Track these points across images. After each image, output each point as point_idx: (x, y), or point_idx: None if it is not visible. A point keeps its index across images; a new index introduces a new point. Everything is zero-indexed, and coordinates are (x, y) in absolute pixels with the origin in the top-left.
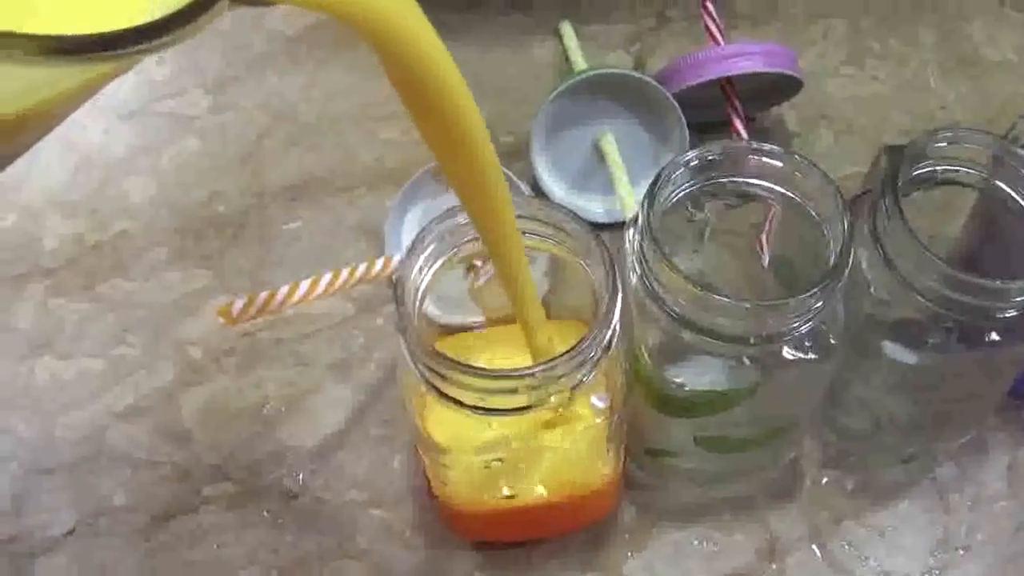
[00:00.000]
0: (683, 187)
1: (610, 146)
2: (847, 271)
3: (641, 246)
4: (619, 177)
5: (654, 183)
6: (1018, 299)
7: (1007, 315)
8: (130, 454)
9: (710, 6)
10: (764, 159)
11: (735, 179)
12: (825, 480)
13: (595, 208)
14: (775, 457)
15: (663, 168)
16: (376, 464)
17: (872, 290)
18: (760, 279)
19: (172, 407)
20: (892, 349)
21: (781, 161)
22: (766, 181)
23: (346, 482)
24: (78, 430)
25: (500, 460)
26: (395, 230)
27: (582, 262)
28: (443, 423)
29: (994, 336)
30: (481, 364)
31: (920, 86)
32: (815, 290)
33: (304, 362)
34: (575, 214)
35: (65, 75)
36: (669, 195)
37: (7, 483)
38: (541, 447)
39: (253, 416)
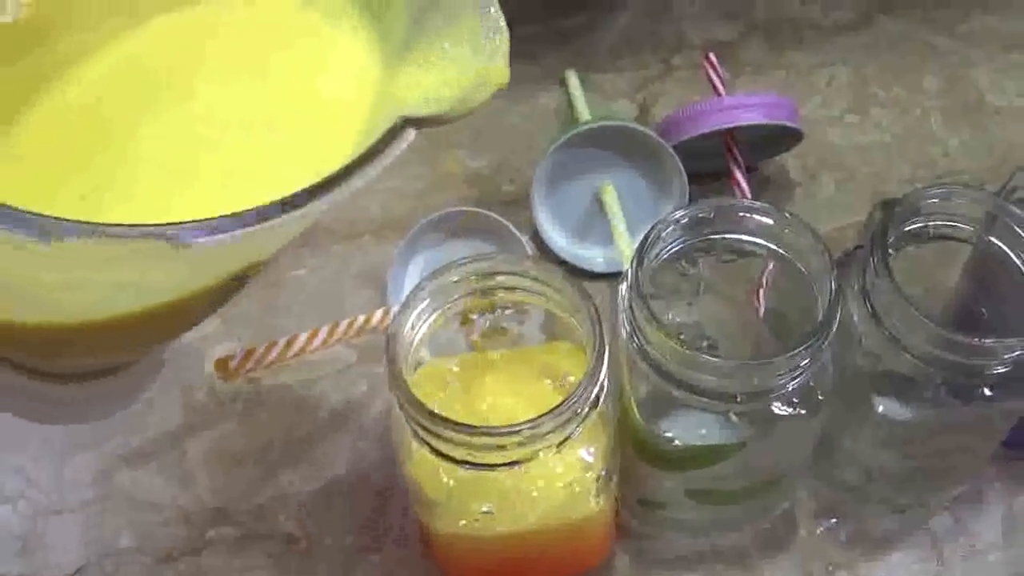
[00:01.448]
0: (674, 244)
1: (610, 197)
2: (833, 329)
3: (630, 303)
4: (618, 228)
5: (643, 241)
6: (1008, 356)
7: (998, 371)
8: (136, 497)
9: (712, 58)
10: (755, 216)
11: (726, 236)
12: (819, 530)
13: (596, 258)
14: (767, 508)
15: (653, 226)
16: (376, 510)
17: (863, 345)
18: (756, 332)
19: (178, 451)
20: (882, 404)
21: (771, 218)
22: (757, 238)
23: (346, 527)
24: (87, 472)
25: (490, 512)
26: (398, 279)
27: (572, 318)
28: (434, 474)
29: (985, 392)
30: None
31: (923, 134)
32: (801, 348)
33: (306, 409)
34: (564, 272)
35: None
36: (660, 252)
37: (17, 523)
38: (531, 499)
39: (256, 461)
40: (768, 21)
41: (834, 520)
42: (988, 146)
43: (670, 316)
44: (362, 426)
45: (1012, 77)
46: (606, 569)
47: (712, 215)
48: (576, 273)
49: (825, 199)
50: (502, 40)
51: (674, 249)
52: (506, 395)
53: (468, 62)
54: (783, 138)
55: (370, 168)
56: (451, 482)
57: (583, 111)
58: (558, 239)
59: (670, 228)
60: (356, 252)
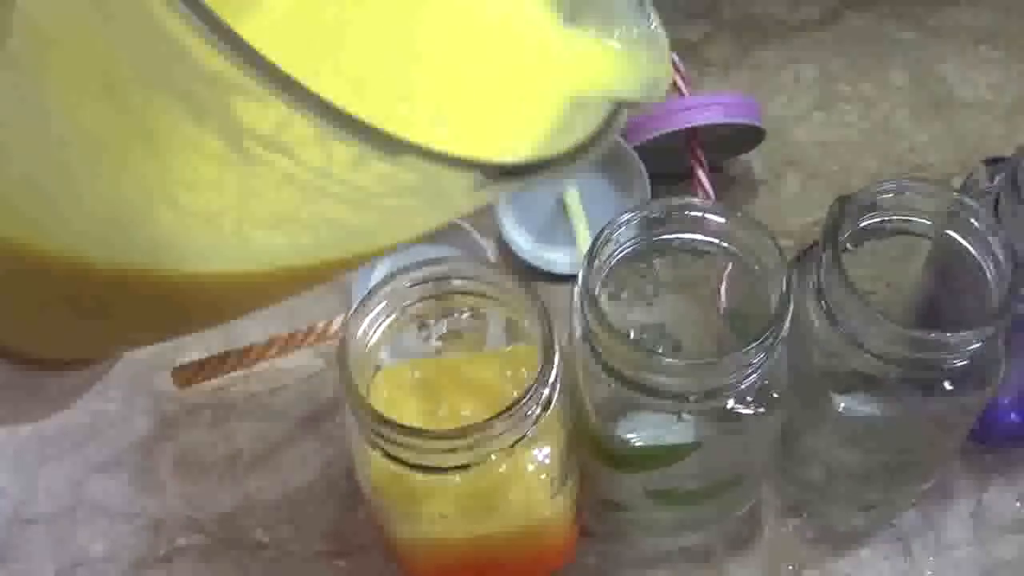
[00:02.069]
0: (627, 245)
1: (573, 199)
2: (784, 327)
3: (582, 305)
4: (580, 230)
5: (594, 243)
6: (966, 349)
7: (957, 365)
8: (108, 505)
9: (675, 57)
10: (707, 216)
11: (679, 236)
12: (785, 529)
13: (561, 260)
14: (731, 507)
15: (603, 228)
16: (342, 516)
17: (820, 342)
18: (719, 331)
19: (148, 460)
20: (842, 402)
21: (722, 217)
22: (709, 237)
23: (313, 533)
24: (59, 482)
25: (447, 516)
26: (362, 286)
27: (526, 321)
28: (391, 479)
29: (946, 386)
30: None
31: (890, 129)
32: (751, 347)
33: (274, 416)
34: (516, 276)
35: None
36: (613, 253)
37: None
38: (488, 502)
39: (225, 468)
40: (734, 20)
41: (800, 518)
42: (956, 140)
43: (632, 316)
44: (329, 432)
45: (981, 70)
46: (571, 571)
47: (663, 216)
48: (541, 276)
49: (790, 197)
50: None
51: (628, 250)
52: (465, 398)
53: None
54: (747, 137)
55: (590, 154)
56: (408, 486)
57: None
58: (523, 242)
59: (621, 229)
60: None
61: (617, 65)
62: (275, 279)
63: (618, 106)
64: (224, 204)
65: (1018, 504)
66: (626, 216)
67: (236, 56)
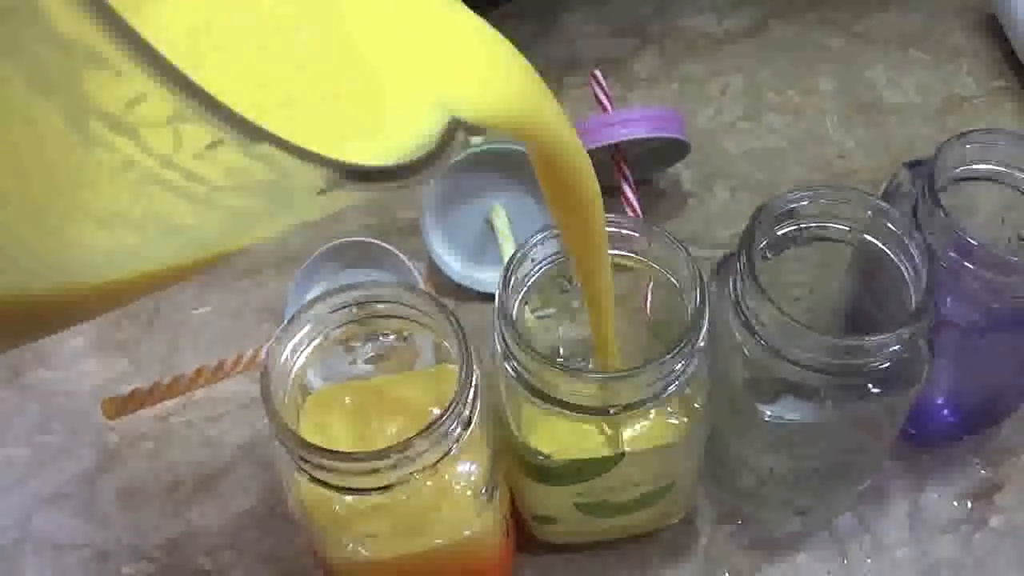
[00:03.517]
0: (545, 262)
1: (500, 219)
2: (701, 337)
3: (499, 324)
4: (507, 250)
5: (508, 264)
6: (888, 351)
7: (880, 367)
8: (54, 537)
9: (598, 74)
10: (621, 231)
11: None
12: (720, 536)
13: (491, 279)
14: (664, 517)
15: (517, 248)
16: (283, 540)
17: (743, 352)
18: (646, 342)
19: (93, 491)
20: (767, 409)
21: (638, 232)
22: (627, 252)
23: (255, 558)
24: (5, 516)
25: (375, 535)
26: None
27: (446, 342)
28: (319, 501)
29: (871, 389)
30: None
31: (818, 136)
32: (667, 358)
33: (213, 443)
34: (434, 297)
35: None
36: (530, 272)
37: None
38: (415, 520)
39: (167, 497)
40: (661, 34)
41: (736, 524)
42: (885, 144)
43: (560, 332)
44: (268, 458)
45: (910, 73)
46: None
47: None
48: (472, 296)
49: (719, 208)
50: None
51: (548, 267)
52: (392, 419)
53: None
54: (673, 150)
55: (433, 166)
56: (337, 509)
57: (475, 138)
58: (453, 263)
59: (536, 248)
60: (257, 287)
61: (464, 85)
62: (93, 294)
63: (456, 122)
64: (49, 196)
65: (955, 504)
66: (540, 235)
67: (99, 20)
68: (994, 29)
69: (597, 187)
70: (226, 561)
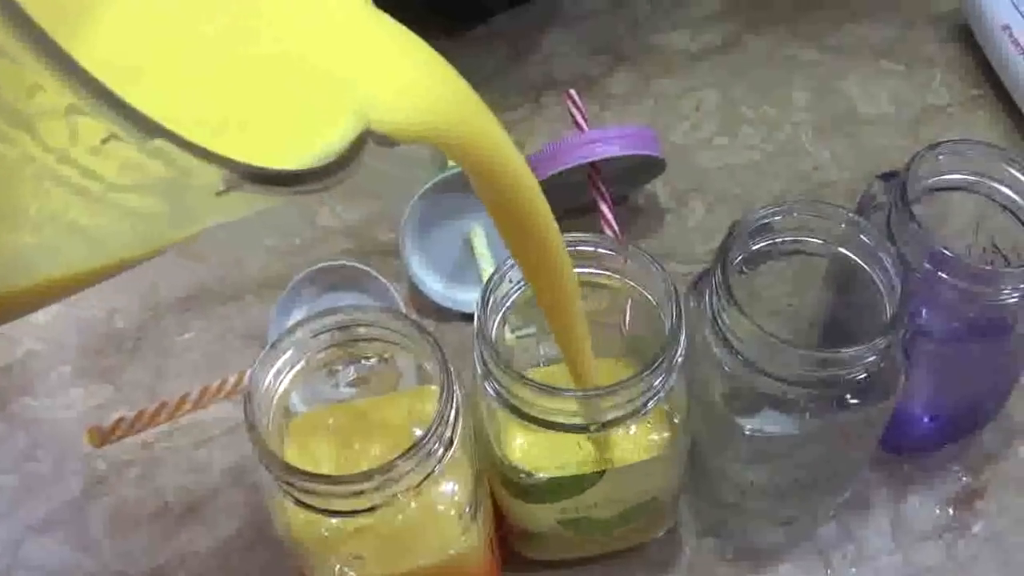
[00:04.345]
0: (522, 283)
1: (479, 240)
2: (678, 352)
3: (477, 344)
4: (486, 271)
5: (487, 284)
6: (864, 362)
7: (858, 378)
8: (44, 565)
9: (573, 93)
10: (598, 250)
11: (575, 271)
12: (704, 549)
13: (472, 300)
14: (647, 531)
15: (496, 269)
16: (270, 564)
17: (721, 366)
18: (626, 362)
19: (81, 518)
20: (747, 423)
21: (612, 250)
22: (604, 271)
23: None
24: None
25: (361, 557)
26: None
27: (427, 364)
28: (305, 524)
29: (849, 400)
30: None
31: (794, 149)
32: (644, 374)
33: (200, 468)
34: (414, 320)
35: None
36: (509, 292)
37: None
38: (400, 541)
39: (155, 523)
40: (635, 52)
41: (719, 537)
42: (860, 155)
43: (541, 351)
44: (254, 482)
45: (883, 85)
46: None
47: None
48: (453, 316)
49: (696, 223)
50: None
51: (525, 288)
52: (376, 441)
53: None
54: (648, 167)
55: (339, 175)
56: (322, 531)
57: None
58: (433, 284)
59: (514, 269)
60: (240, 313)
61: (379, 92)
62: None
63: (367, 132)
64: None
65: (937, 511)
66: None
67: None
68: (967, 39)
69: (546, 207)
70: None
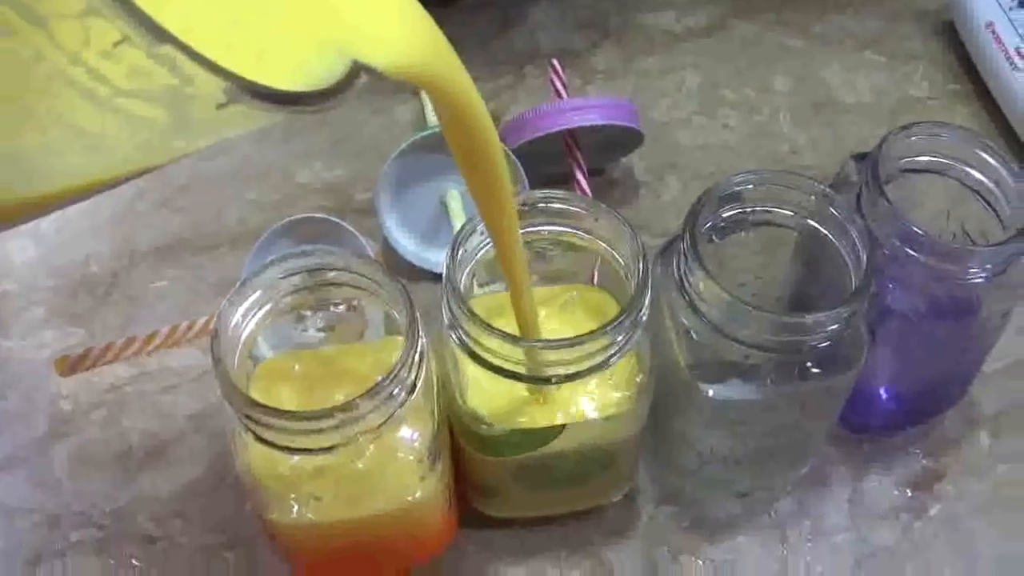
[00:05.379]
0: None
1: (455, 201)
2: (642, 310)
3: (445, 295)
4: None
5: (457, 236)
6: (828, 329)
7: (820, 346)
8: (6, 503)
9: (556, 63)
10: (569, 207)
11: (545, 228)
12: (661, 516)
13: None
14: (605, 492)
15: (466, 222)
16: (230, 509)
17: (687, 332)
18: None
19: (45, 458)
20: (710, 388)
21: (583, 207)
22: (571, 228)
23: (202, 526)
24: None
25: (320, 498)
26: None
27: (395, 312)
28: (265, 464)
29: (811, 368)
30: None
31: (771, 132)
32: (608, 328)
33: (165, 413)
34: (383, 266)
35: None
36: (479, 244)
37: None
38: (358, 483)
39: (118, 465)
40: (621, 29)
41: (676, 506)
42: (837, 141)
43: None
44: (219, 428)
45: (863, 75)
46: (451, 557)
47: (527, 208)
48: (425, 276)
49: (671, 199)
50: None
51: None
52: (340, 388)
53: None
54: (626, 140)
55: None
56: (282, 470)
57: (433, 120)
58: (406, 243)
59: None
60: (213, 263)
61: (362, 28)
62: None
63: (358, 66)
64: None
65: (895, 492)
66: None
67: None
68: (951, 35)
69: (498, 143)
70: (173, 530)
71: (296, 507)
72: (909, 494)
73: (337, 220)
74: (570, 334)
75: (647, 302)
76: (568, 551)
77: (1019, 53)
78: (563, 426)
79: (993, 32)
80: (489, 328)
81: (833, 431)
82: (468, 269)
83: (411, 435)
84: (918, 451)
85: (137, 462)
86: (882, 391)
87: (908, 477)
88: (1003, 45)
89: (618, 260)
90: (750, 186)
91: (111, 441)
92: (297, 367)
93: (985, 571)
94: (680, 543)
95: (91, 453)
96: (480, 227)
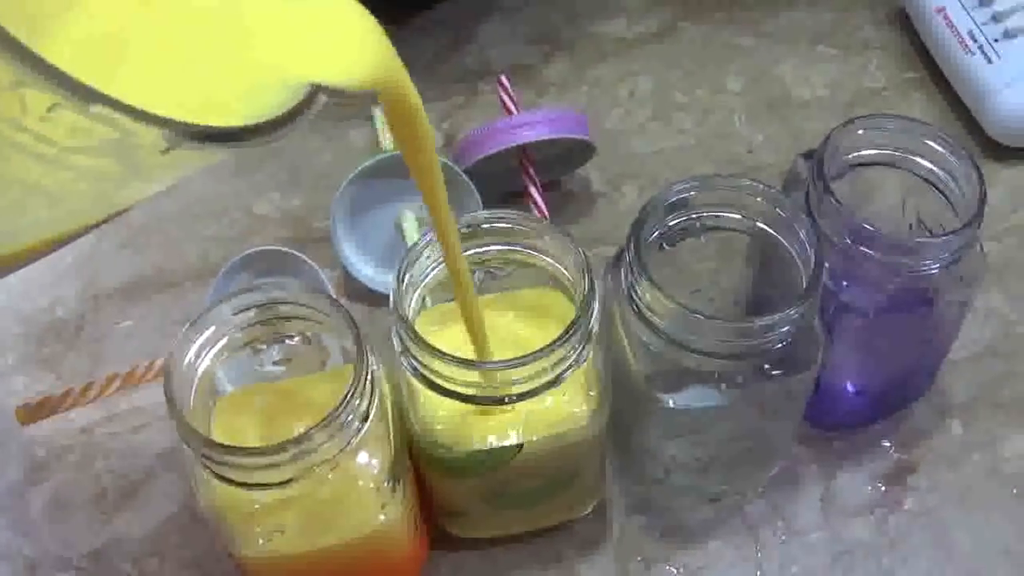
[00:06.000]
0: (441, 261)
1: (409, 224)
2: (589, 325)
3: (395, 322)
4: None
5: (401, 264)
6: (780, 331)
7: (775, 348)
8: None
9: (503, 79)
10: (515, 227)
11: (491, 248)
12: (633, 526)
13: None
14: (573, 508)
15: (411, 247)
16: (206, 545)
17: (639, 342)
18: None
19: (22, 503)
20: (669, 398)
21: (529, 227)
22: (521, 247)
23: (179, 564)
24: None
25: (282, 531)
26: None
27: (345, 341)
28: (228, 500)
29: (768, 371)
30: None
31: (727, 133)
32: (555, 346)
33: (136, 453)
34: (330, 297)
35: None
36: (427, 270)
37: None
38: (321, 514)
39: (94, 507)
40: (571, 40)
41: (647, 514)
42: (793, 139)
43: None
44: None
45: (817, 70)
46: None
47: (473, 230)
48: (384, 301)
49: (627, 208)
50: None
51: (443, 266)
52: (300, 419)
53: None
54: (580, 152)
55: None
56: (244, 505)
57: (388, 144)
58: (365, 269)
59: (428, 249)
60: (177, 300)
61: (320, 51)
62: None
63: (316, 88)
64: None
65: (868, 487)
66: (430, 236)
67: None
68: (904, 22)
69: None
70: (151, 568)
71: (261, 541)
72: (883, 488)
73: (294, 252)
74: (539, 339)
75: (595, 315)
76: (541, 567)
77: (972, 37)
78: (520, 445)
79: (945, 17)
80: (439, 353)
81: (802, 430)
82: (416, 294)
83: (368, 463)
84: (889, 444)
85: (112, 503)
86: (848, 387)
87: (880, 471)
88: (955, 30)
89: (565, 275)
90: (694, 193)
91: (86, 483)
92: (258, 401)
93: (962, 561)
94: (653, 552)
95: (67, 497)
96: (426, 252)
